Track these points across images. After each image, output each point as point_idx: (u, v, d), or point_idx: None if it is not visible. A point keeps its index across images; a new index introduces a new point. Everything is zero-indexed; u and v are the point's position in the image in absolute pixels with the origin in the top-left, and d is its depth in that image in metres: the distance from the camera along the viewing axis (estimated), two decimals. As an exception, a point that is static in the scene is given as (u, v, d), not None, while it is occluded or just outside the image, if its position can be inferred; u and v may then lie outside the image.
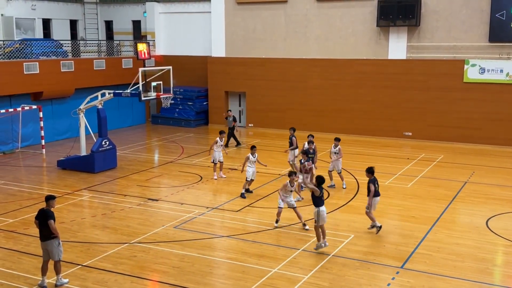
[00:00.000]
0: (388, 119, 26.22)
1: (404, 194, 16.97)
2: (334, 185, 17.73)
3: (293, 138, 18.87)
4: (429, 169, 20.32)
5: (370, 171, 13.39)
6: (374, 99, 26.42)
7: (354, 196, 16.70)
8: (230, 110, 25.42)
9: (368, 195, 13.31)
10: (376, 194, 13.34)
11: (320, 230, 12.32)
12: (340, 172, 17.75)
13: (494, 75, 24.03)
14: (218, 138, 18.79)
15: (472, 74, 24.43)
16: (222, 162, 18.89)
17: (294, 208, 13.90)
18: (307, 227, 13.73)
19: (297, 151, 18.72)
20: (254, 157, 16.85)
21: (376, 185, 13.32)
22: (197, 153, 23.01)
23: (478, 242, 13.03)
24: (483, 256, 12.23)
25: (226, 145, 23.35)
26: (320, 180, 12.40)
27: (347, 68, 26.85)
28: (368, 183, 13.28)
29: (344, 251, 12.39)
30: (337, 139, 17.75)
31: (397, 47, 25.80)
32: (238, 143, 24.35)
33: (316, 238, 12.47)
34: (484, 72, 24.22)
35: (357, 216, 14.85)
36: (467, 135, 24.75)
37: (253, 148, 17.11)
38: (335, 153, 17.59)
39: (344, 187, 17.60)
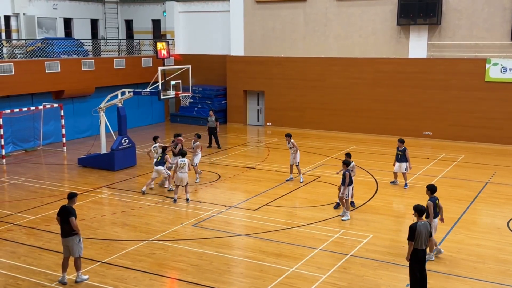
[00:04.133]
0: (408, 119, 25.99)
1: (424, 194, 16.73)
2: (292, 178, 18.26)
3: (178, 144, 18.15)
4: (449, 169, 20.10)
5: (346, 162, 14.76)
6: (394, 98, 26.21)
7: (373, 196, 16.60)
8: (212, 110, 24.96)
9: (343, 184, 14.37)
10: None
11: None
12: (298, 165, 18.01)
13: (517, 74, 23.71)
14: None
15: (494, 73, 24.09)
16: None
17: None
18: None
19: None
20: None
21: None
22: (215, 151, 23.07)
23: (499, 243, 12.86)
24: (505, 257, 12.06)
25: (209, 146, 23.30)
26: (432, 188, 11.91)
27: (366, 67, 26.67)
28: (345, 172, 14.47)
29: (362, 251, 12.33)
30: (288, 135, 18.08)
31: (418, 45, 25.54)
32: (218, 145, 23.66)
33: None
34: (506, 71, 23.85)
35: (375, 216, 14.76)
36: (488, 135, 24.42)
37: (347, 155, 15.82)
38: (290, 147, 17.95)
39: (301, 181, 17.98)
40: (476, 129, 24.65)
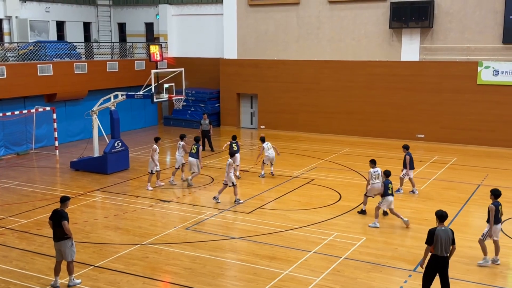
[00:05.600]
0: (401, 121, 26.08)
1: (417, 197, 16.87)
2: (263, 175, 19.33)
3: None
4: (442, 171, 20.18)
5: (386, 173, 14.55)
6: (387, 101, 26.30)
7: (364, 199, 16.59)
8: (205, 113, 24.95)
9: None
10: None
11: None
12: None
13: (508, 77, 23.81)
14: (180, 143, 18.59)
15: (485, 76, 24.23)
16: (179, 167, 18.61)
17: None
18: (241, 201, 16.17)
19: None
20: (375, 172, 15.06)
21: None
22: (208, 154, 23.03)
23: (491, 245, 12.86)
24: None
25: (203, 149, 23.28)
26: (496, 193, 11.69)
27: (359, 69, 26.76)
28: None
29: (356, 254, 12.34)
30: (262, 139, 19.90)
31: (410, 48, 25.66)
32: (211, 148, 23.79)
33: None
34: (498, 74, 24.01)
35: (369, 219, 14.77)
36: (480, 137, 24.54)
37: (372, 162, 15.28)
38: (268, 149, 19.23)
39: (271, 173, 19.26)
40: (468, 132, 24.77)
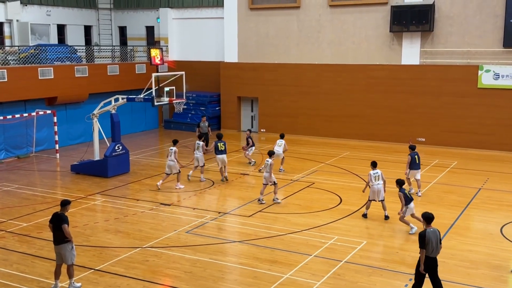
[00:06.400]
0: (401, 125, 26.08)
1: (417, 201, 16.83)
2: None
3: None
4: (442, 175, 20.17)
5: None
6: (387, 104, 26.31)
7: (367, 203, 16.59)
8: (204, 116, 25.08)
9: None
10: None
11: None
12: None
13: (509, 80, 23.82)
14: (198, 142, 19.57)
15: (486, 79, 24.25)
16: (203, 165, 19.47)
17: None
18: (279, 200, 16.49)
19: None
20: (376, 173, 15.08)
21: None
22: (209, 158, 23.02)
23: (492, 249, 12.90)
24: (497, 263, 12.10)
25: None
26: None
27: (359, 73, 26.78)
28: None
29: (356, 258, 12.33)
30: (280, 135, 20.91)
31: (411, 52, 25.68)
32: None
33: None
34: (499, 77, 24.02)
35: (369, 222, 14.78)
36: (481, 141, 24.53)
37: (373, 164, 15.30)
38: (278, 145, 20.22)
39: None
40: (468, 135, 24.77)
